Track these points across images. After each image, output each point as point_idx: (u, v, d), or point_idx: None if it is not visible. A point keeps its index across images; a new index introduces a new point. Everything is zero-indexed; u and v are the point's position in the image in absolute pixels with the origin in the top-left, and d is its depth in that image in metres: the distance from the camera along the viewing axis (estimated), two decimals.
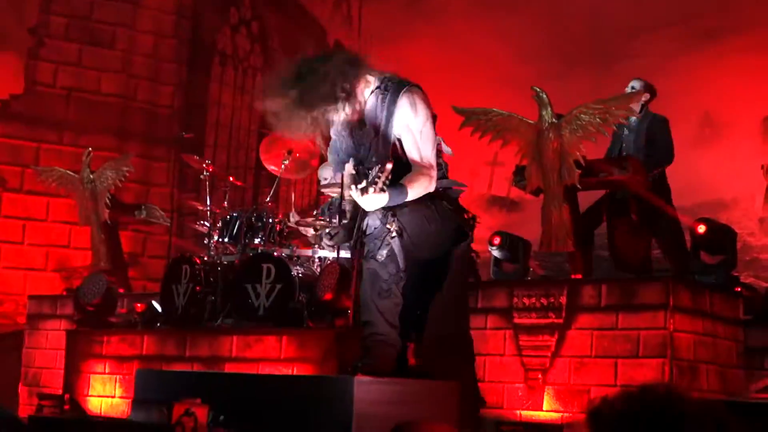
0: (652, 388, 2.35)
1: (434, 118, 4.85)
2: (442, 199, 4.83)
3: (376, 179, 4.37)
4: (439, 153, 4.84)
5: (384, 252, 4.56)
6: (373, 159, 4.65)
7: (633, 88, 8.28)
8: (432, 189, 4.72)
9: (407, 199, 4.63)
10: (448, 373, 4.75)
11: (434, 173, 4.70)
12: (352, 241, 4.85)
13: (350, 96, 4.66)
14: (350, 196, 4.59)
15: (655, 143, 8.21)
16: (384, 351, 4.53)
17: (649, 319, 6.36)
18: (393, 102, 4.66)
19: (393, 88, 4.71)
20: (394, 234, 4.56)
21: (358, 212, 4.75)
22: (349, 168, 4.70)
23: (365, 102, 4.77)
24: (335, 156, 5.04)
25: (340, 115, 4.76)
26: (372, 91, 4.77)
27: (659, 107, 8.40)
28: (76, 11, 13.48)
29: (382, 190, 4.39)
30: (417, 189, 4.65)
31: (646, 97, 8.38)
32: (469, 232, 5.06)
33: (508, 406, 6.77)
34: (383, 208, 4.61)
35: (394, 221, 4.57)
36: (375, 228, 4.59)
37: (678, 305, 6.38)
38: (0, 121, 12.92)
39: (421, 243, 4.71)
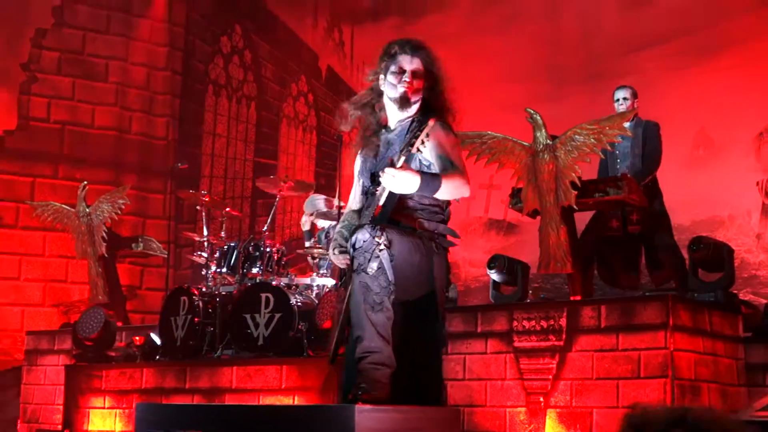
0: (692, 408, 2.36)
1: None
2: (432, 240, 4.72)
3: (412, 140, 4.45)
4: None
5: (374, 265, 4.44)
6: None
7: (626, 99, 8.27)
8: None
9: (439, 194, 4.55)
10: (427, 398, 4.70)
11: (469, 181, 4.62)
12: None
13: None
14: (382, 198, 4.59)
15: (647, 150, 8.21)
16: (380, 375, 4.45)
17: (649, 339, 6.32)
18: (422, 123, 4.61)
19: (426, 116, 4.69)
20: (382, 246, 4.48)
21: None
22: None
23: (393, 128, 4.81)
24: (359, 180, 5.00)
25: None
26: (404, 120, 4.80)
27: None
28: (68, 45, 13.49)
29: (415, 148, 4.46)
30: (451, 185, 4.53)
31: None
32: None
33: (511, 431, 6.73)
34: (371, 224, 4.54)
35: (382, 235, 4.50)
36: (364, 241, 4.49)
37: (678, 324, 6.35)
38: None
39: (402, 271, 4.55)
